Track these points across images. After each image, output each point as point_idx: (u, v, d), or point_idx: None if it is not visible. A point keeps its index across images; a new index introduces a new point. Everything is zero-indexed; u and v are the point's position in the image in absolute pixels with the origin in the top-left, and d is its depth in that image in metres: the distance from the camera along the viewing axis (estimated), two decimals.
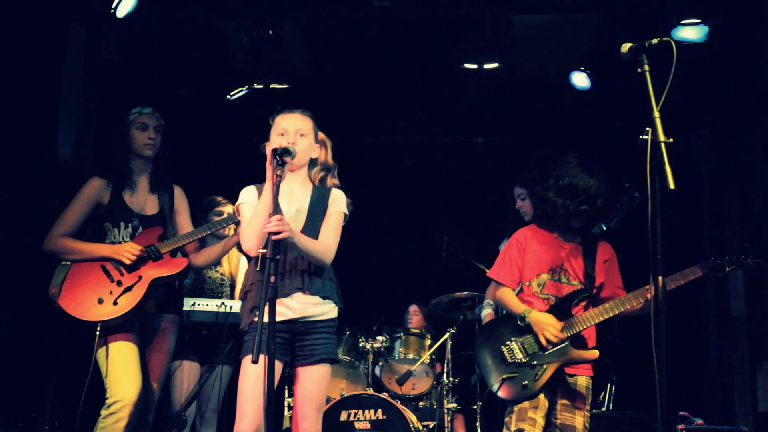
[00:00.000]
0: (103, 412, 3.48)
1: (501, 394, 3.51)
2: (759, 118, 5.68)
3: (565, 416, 3.56)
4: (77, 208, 3.78)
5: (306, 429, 3.12)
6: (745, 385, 5.82)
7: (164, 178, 3.97)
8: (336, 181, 3.39)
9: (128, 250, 3.63)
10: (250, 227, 3.07)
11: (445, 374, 5.47)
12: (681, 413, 4.86)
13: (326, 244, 3.19)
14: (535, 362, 3.49)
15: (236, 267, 4.79)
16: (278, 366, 3.13)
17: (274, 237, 2.84)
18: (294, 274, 3.13)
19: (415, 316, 6.34)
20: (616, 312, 3.48)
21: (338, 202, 3.29)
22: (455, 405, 5.39)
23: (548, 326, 3.47)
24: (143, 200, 3.88)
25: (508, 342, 3.56)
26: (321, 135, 3.40)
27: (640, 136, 2.54)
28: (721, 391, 6.02)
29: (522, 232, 3.77)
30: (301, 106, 3.36)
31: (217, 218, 4.47)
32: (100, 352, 3.58)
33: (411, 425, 4.80)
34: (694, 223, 6.34)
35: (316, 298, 3.17)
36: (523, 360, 3.50)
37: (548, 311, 3.56)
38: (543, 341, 3.47)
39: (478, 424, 5.40)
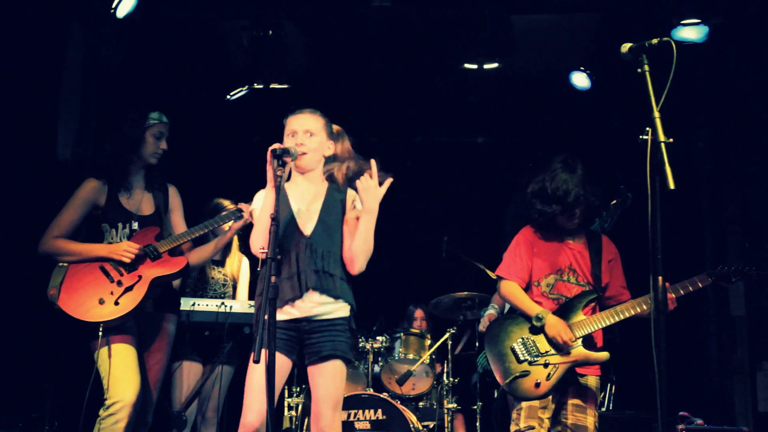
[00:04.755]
0: (102, 413, 3.47)
1: (512, 392, 3.50)
2: (759, 118, 5.68)
3: (578, 416, 3.55)
4: (73, 210, 3.72)
5: (323, 429, 3.05)
6: (745, 385, 5.82)
7: (158, 177, 3.94)
8: (358, 165, 3.39)
9: (126, 249, 3.59)
10: (256, 230, 3.08)
11: (445, 374, 5.47)
12: (681, 413, 4.86)
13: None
14: (548, 361, 3.49)
15: (238, 269, 4.79)
16: (284, 362, 3.11)
17: None
18: (309, 273, 3.11)
19: (421, 321, 6.31)
20: (627, 315, 3.49)
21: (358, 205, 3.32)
22: (455, 405, 5.39)
23: (563, 331, 3.48)
24: (139, 200, 3.84)
25: (520, 340, 3.55)
26: (336, 127, 3.39)
27: (640, 136, 2.54)
28: (721, 391, 6.02)
29: (529, 231, 3.76)
30: (301, 106, 3.36)
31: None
32: (98, 353, 3.56)
33: (411, 425, 4.80)
34: (694, 223, 6.34)
35: (326, 298, 3.14)
36: (536, 359, 3.50)
37: (557, 311, 3.57)
38: (560, 343, 3.48)
39: (478, 424, 5.40)
